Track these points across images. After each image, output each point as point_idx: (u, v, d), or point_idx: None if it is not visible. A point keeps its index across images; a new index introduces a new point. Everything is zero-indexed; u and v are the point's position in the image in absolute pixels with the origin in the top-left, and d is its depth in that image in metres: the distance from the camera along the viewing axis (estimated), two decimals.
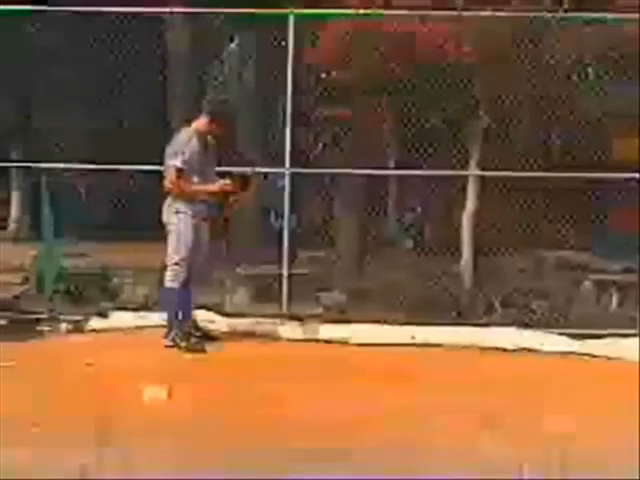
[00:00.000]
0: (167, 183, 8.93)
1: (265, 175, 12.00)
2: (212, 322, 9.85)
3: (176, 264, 8.94)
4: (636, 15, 10.85)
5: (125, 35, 11.19)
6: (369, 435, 6.80)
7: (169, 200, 8.98)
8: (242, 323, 9.96)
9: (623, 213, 11.55)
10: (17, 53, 11.20)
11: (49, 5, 10.90)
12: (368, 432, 6.86)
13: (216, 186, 8.99)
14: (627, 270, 11.56)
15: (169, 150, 8.96)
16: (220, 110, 9.24)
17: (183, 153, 8.88)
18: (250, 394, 7.73)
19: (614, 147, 11.79)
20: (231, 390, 7.84)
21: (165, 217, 9.00)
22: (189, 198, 8.91)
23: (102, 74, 11.70)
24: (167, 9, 12.14)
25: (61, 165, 11.25)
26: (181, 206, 8.92)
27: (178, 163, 8.85)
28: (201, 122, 9.06)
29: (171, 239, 8.96)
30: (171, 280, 8.99)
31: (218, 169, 9.22)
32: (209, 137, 9.09)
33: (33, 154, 11.05)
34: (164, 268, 9.13)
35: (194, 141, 8.97)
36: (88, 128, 11.99)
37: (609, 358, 9.27)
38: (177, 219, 8.91)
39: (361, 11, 11.27)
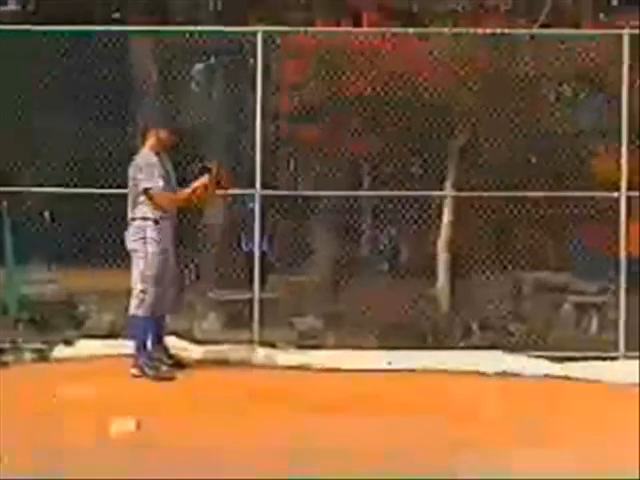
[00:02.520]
0: (164, 206, 8.74)
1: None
2: (184, 349, 9.62)
3: (142, 291, 8.72)
4: (611, 31, 10.76)
5: (90, 55, 10.97)
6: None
7: (135, 227, 8.78)
8: (213, 350, 9.74)
9: (599, 232, 11.40)
10: None
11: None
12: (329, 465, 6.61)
13: (197, 183, 8.84)
14: (605, 290, 11.40)
15: (139, 176, 8.76)
16: (159, 121, 9.16)
17: (153, 174, 8.72)
18: (221, 424, 7.47)
19: (592, 165, 11.66)
20: (202, 420, 7.57)
21: (130, 244, 8.79)
22: (159, 221, 8.76)
23: (67, 96, 11.46)
24: (135, 27, 11.94)
25: (23, 189, 10.99)
26: (149, 232, 8.72)
27: (160, 183, 8.72)
28: (150, 140, 8.93)
29: (138, 265, 8.75)
30: (136, 307, 8.76)
31: None
32: (162, 155, 8.92)
33: None
34: (129, 294, 8.90)
35: (154, 160, 8.84)
36: (51, 151, 11.72)
37: (589, 381, 9.16)
38: (144, 245, 8.69)
39: (331, 29, 11.14)
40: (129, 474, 6.32)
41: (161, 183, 8.75)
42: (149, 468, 6.46)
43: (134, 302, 8.77)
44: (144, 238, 8.74)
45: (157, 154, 8.89)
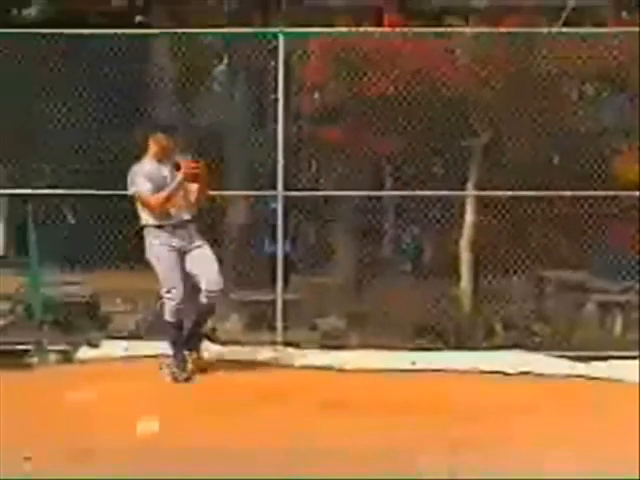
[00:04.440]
0: (152, 208, 8.76)
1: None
2: (206, 350, 9.63)
3: (162, 297, 8.76)
4: (634, 29, 10.70)
5: (110, 57, 11.01)
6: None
7: (145, 235, 8.86)
8: (236, 350, 9.74)
9: (623, 231, 11.35)
10: None
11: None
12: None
13: (180, 175, 8.74)
14: (628, 289, 11.35)
15: (128, 181, 8.85)
16: (157, 127, 9.14)
17: (140, 178, 8.76)
18: (239, 424, 7.50)
19: (615, 164, 11.61)
20: (224, 420, 7.60)
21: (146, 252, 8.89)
22: (157, 226, 8.77)
23: (88, 96, 11.50)
24: (155, 30, 11.99)
25: (47, 191, 11.04)
26: (150, 239, 8.79)
27: (147, 186, 8.72)
28: (152, 147, 8.93)
29: (156, 273, 8.80)
30: (165, 313, 8.81)
31: None
32: (164, 162, 8.88)
33: (19, 180, 10.85)
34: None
35: (146, 167, 8.85)
36: (74, 153, 11.76)
37: (611, 380, 9.13)
38: (151, 252, 8.76)
39: (353, 29, 11.13)
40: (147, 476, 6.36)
41: (148, 186, 8.71)
42: (162, 470, 6.49)
43: (165, 307, 8.81)
44: (149, 245, 8.79)
45: (159, 161, 8.87)
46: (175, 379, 8.74)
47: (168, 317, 8.78)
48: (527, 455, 6.77)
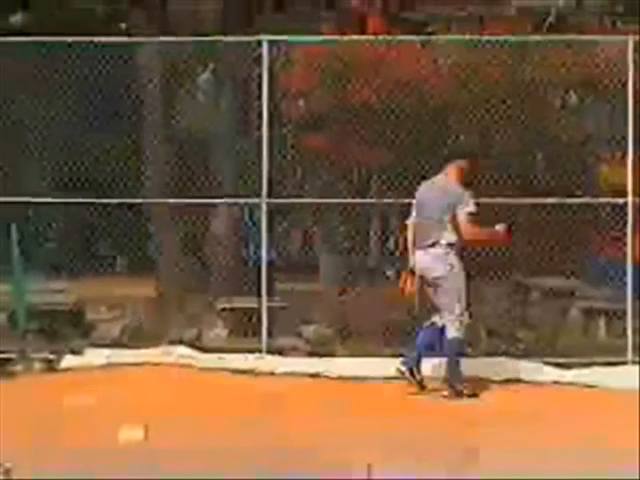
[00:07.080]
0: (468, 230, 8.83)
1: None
2: (191, 358, 9.64)
3: (460, 314, 8.75)
4: (616, 37, 10.76)
5: (95, 65, 11.00)
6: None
7: (439, 252, 8.80)
8: (220, 358, 9.73)
9: (608, 238, 11.39)
10: None
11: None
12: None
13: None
14: (613, 296, 11.38)
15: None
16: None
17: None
18: (230, 431, 7.49)
19: (599, 171, 11.66)
20: (210, 428, 7.59)
21: (437, 271, 8.81)
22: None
23: (71, 105, 11.49)
24: (139, 39, 11.98)
25: (31, 199, 11.02)
26: (454, 259, 8.80)
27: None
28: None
29: (449, 292, 8.78)
30: (457, 330, 8.75)
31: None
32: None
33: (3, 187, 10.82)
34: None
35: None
36: (58, 160, 11.73)
37: (595, 387, 9.17)
38: (452, 273, 8.76)
39: (335, 37, 11.17)
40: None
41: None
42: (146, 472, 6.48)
43: (456, 325, 8.77)
44: (452, 265, 8.81)
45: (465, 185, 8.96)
46: (468, 395, 8.69)
47: (461, 334, 8.79)
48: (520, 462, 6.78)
